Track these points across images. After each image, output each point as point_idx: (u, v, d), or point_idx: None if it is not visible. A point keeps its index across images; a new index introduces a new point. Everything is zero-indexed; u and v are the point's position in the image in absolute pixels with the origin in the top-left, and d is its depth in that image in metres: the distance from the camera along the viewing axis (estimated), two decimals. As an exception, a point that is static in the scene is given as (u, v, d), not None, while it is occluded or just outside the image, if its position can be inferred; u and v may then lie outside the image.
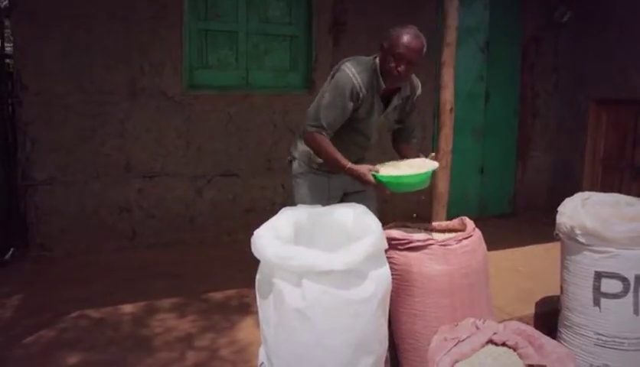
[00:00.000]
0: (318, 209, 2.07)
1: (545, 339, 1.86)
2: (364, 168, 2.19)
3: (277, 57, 4.33)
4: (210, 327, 2.60)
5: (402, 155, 2.48)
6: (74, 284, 3.12)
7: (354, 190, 2.48)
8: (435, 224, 2.49)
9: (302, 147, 2.44)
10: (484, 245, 2.30)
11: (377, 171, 2.18)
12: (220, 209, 4.11)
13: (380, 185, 2.19)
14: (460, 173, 4.74)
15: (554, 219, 2.49)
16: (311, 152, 2.39)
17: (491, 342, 1.88)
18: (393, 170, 2.23)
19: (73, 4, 3.61)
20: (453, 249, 2.12)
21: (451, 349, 1.82)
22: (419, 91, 2.48)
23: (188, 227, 4.04)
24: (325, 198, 2.37)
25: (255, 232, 1.82)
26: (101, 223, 3.80)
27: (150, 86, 3.87)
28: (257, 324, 2.55)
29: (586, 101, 5.00)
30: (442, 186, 2.66)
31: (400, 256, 2.17)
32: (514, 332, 1.90)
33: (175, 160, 3.98)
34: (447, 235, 2.30)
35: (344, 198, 2.48)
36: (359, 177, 2.20)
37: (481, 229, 2.34)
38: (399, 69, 2.18)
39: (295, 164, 2.47)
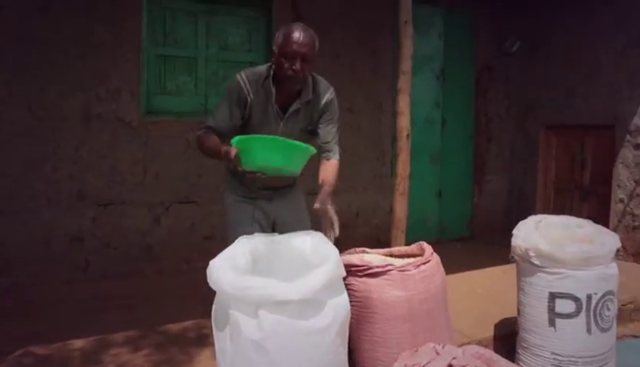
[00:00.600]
0: (275, 237, 2.05)
1: (503, 362, 1.88)
2: (231, 149, 1.99)
3: (236, 84, 4.32)
4: (166, 361, 2.50)
5: (320, 176, 2.29)
6: (19, 319, 2.95)
7: (283, 221, 2.38)
8: (393, 249, 2.50)
9: (227, 173, 2.42)
10: (442, 270, 2.32)
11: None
12: (179, 237, 4.01)
13: (237, 158, 1.96)
14: (418, 197, 4.82)
15: (510, 242, 2.54)
16: (229, 177, 2.37)
17: (450, 367, 1.88)
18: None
19: (28, 27, 3.52)
20: (411, 275, 2.13)
21: (411, 375, 1.81)
22: (327, 95, 2.32)
23: (145, 256, 3.92)
24: (249, 224, 2.30)
25: (210, 263, 1.78)
26: (51, 254, 3.64)
27: (106, 112, 3.78)
28: (215, 356, 2.50)
29: (537, 126, 5.21)
30: (401, 211, 2.69)
31: (359, 283, 2.16)
32: (473, 356, 1.91)
33: (132, 187, 3.88)
34: (406, 261, 2.31)
35: (276, 228, 2.38)
36: (225, 156, 2.02)
37: (440, 253, 2.37)
38: (294, 68, 2.09)
39: (224, 195, 2.43)
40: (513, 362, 2.52)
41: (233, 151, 1.96)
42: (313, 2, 4.40)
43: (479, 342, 2.82)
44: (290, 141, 1.97)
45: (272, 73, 2.20)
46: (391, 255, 2.46)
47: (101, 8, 3.72)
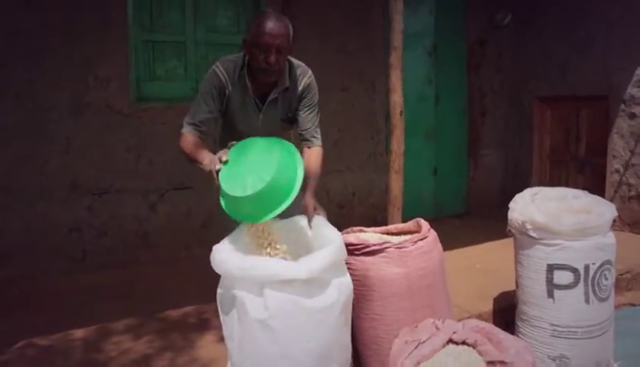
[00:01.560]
0: (278, 223, 2.04)
1: (503, 335, 1.89)
2: (214, 158, 1.87)
3: (227, 67, 4.27)
4: (168, 347, 2.51)
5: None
6: (20, 311, 2.95)
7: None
8: (390, 227, 2.50)
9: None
10: (439, 246, 2.32)
11: (223, 162, 1.83)
12: (176, 223, 4.00)
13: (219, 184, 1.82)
14: (414, 175, 4.81)
15: (507, 216, 2.54)
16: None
17: (451, 341, 1.89)
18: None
19: (12, 17, 3.45)
20: (409, 251, 2.13)
21: (412, 351, 1.82)
22: (305, 80, 2.22)
23: (142, 244, 3.91)
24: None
25: (214, 247, 1.79)
26: (48, 245, 3.62)
27: (96, 101, 3.73)
28: (217, 341, 2.51)
29: (530, 99, 5.19)
30: (396, 189, 2.68)
31: (357, 262, 2.16)
32: (473, 330, 1.92)
33: (126, 175, 3.85)
34: (403, 238, 2.31)
35: None
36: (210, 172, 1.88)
37: (437, 229, 2.37)
38: (268, 60, 1.98)
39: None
40: (512, 334, 2.54)
41: (214, 176, 1.83)
42: (301, -19, 4.33)
43: (479, 316, 2.85)
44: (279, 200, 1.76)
45: (246, 62, 2.12)
46: (388, 233, 2.46)
47: (86, -6, 3.66)
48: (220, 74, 2.12)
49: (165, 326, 2.76)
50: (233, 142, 1.93)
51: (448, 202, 5.29)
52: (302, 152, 2.14)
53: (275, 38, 1.97)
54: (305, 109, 2.25)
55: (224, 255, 1.74)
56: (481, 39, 5.31)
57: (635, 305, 3.36)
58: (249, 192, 1.71)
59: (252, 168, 1.78)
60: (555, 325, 2.37)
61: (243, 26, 4.29)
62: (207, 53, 4.19)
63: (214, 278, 1.82)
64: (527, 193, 2.56)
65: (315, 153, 2.24)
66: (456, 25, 5.21)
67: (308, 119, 2.25)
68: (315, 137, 2.27)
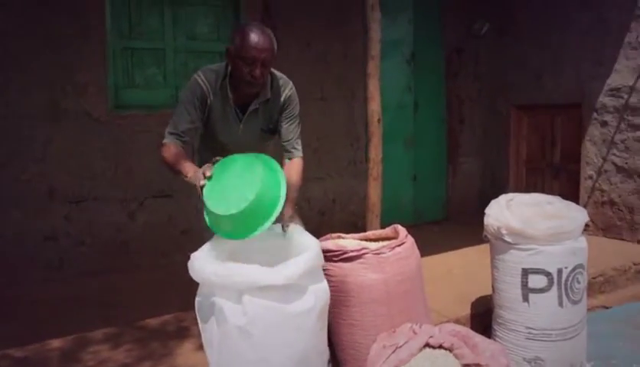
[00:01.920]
0: None
1: (479, 338, 1.92)
2: (198, 172, 1.86)
3: (207, 74, 4.27)
4: (147, 356, 2.49)
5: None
6: (-5, 321, 2.90)
7: None
8: (368, 233, 2.53)
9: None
10: (417, 252, 2.35)
11: (207, 177, 1.82)
12: (155, 231, 3.97)
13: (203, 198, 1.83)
14: (394, 182, 4.86)
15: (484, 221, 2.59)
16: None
17: (428, 345, 1.92)
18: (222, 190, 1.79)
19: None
20: (387, 257, 2.16)
21: (389, 356, 1.84)
22: (287, 91, 2.24)
23: (121, 252, 3.88)
24: None
25: (192, 255, 1.80)
26: (24, 253, 3.57)
27: (73, 108, 3.70)
28: (196, 349, 2.50)
29: (507, 107, 5.29)
30: (375, 196, 2.71)
31: (335, 268, 2.18)
32: (450, 334, 1.95)
33: (104, 183, 3.82)
34: (381, 244, 2.34)
35: None
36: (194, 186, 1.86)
37: (416, 235, 2.41)
38: (253, 73, 2.00)
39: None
40: (489, 337, 2.59)
41: (199, 191, 1.81)
42: (281, -11, 4.37)
43: (457, 321, 2.89)
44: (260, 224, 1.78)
45: (228, 72, 2.13)
46: (366, 239, 2.49)
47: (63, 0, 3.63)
48: (201, 83, 2.12)
49: (144, 334, 2.74)
50: (218, 158, 1.91)
51: (428, 208, 5.35)
52: (282, 163, 2.20)
53: (261, 52, 1.99)
54: (287, 120, 2.26)
55: (202, 263, 1.75)
56: (459, 48, 5.40)
57: (607, 307, 3.45)
58: (232, 211, 1.71)
59: (235, 185, 1.77)
60: (530, 328, 2.42)
61: (223, 34, 4.30)
62: (186, 60, 4.19)
63: (193, 286, 1.82)
64: (503, 199, 2.61)
65: (295, 165, 2.26)
66: (435, 34, 5.30)
67: (290, 130, 2.27)
68: (295, 148, 2.28)
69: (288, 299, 1.72)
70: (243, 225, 1.77)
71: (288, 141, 2.27)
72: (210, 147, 2.26)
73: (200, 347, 2.15)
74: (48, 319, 2.94)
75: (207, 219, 1.85)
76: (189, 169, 1.97)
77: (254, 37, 1.98)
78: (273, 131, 2.29)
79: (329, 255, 2.15)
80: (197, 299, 1.82)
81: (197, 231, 3.65)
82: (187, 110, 2.11)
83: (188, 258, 1.80)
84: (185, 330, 2.74)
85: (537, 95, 5.00)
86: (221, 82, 2.13)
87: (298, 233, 2.01)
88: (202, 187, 1.81)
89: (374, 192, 2.74)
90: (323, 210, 4.56)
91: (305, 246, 1.88)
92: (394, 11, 4.95)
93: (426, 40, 5.22)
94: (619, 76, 4.31)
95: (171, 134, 2.10)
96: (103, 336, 2.71)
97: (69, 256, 3.72)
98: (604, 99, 4.42)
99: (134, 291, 3.41)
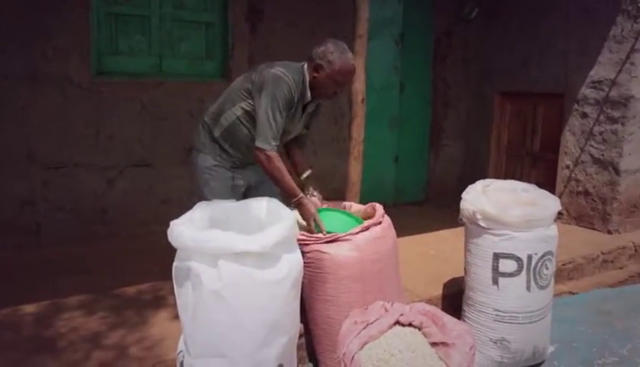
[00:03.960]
0: (233, 204, 2.10)
1: (447, 318, 1.99)
2: (313, 208, 2.30)
3: (192, 44, 4.21)
4: (121, 324, 2.51)
5: (295, 161, 2.62)
6: (-32, 285, 2.89)
7: (255, 182, 2.57)
8: (348, 204, 2.57)
9: (208, 139, 2.46)
10: (393, 232, 2.40)
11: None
12: (134, 200, 3.96)
13: (321, 222, 2.30)
14: (376, 162, 4.91)
15: (461, 205, 2.64)
16: (219, 146, 2.43)
17: (398, 323, 1.97)
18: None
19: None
20: (363, 236, 2.20)
21: (360, 331, 1.89)
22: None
23: (100, 220, 3.86)
24: (231, 191, 2.44)
25: (171, 223, 1.83)
26: (0, 218, 3.54)
27: (55, 72, 3.62)
28: (172, 318, 2.53)
29: (492, 92, 5.33)
30: (355, 175, 2.75)
31: (312, 245, 2.21)
32: (420, 313, 2.01)
33: (84, 150, 3.77)
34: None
35: (247, 192, 2.55)
36: (306, 213, 2.29)
37: (395, 216, 2.47)
38: (338, 93, 2.33)
39: (200, 157, 2.48)
40: (458, 318, 2.66)
41: (320, 222, 2.29)
42: (272, -39, 4.29)
43: (429, 301, 2.96)
44: (357, 223, 2.33)
45: (306, 78, 2.32)
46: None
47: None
48: (291, 86, 2.26)
49: (120, 302, 2.76)
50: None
51: (408, 189, 5.41)
52: (295, 150, 2.62)
53: (351, 76, 2.37)
54: (315, 117, 2.60)
55: (181, 229, 1.78)
56: (448, 31, 5.40)
57: (574, 293, 3.56)
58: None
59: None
60: (498, 310, 2.50)
61: (210, 3, 4.23)
62: (172, 29, 4.12)
63: (172, 256, 1.84)
64: (479, 184, 2.67)
65: (305, 155, 2.70)
66: (424, 16, 5.28)
67: (313, 124, 2.64)
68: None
69: (263, 266, 1.77)
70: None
71: (308, 131, 2.63)
72: (243, 135, 2.39)
73: (176, 317, 2.19)
74: (23, 284, 2.94)
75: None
76: (300, 192, 2.33)
77: (352, 63, 2.30)
78: (306, 126, 2.58)
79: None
80: (174, 264, 1.85)
81: (175, 201, 3.69)
82: (281, 113, 2.25)
83: (167, 237, 1.83)
84: (161, 299, 2.77)
85: (521, 82, 5.04)
86: (302, 84, 2.32)
87: (275, 206, 2.04)
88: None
89: (355, 171, 2.77)
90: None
91: (281, 217, 1.92)
92: (385, -9, 4.92)
93: (415, 22, 5.21)
94: (602, 69, 4.37)
95: (275, 142, 2.24)
96: (78, 303, 2.72)
97: (46, 222, 3.69)
98: (586, 91, 4.48)
99: (112, 259, 3.42)
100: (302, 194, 2.30)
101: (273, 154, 2.23)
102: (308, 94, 2.34)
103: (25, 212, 3.63)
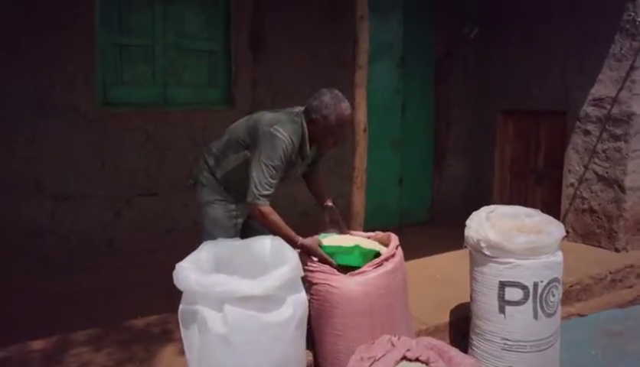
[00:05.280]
0: (237, 242, 2.14)
1: (454, 352, 1.98)
2: (314, 243, 2.32)
3: (196, 73, 4.26)
4: (129, 359, 2.51)
5: (313, 191, 2.69)
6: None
7: None
8: (363, 234, 2.59)
9: (210, 178, 2.48)
10: (404, 265, 2.41)
11: (321, 244, 2.33)
12: (141, 230, 3.98)
13: (328, 257, 2.31)
14: (380, 184, 4.91)
15: (467, 228, 2.65)
16: (221, 185, 2.48)
17: (405, 358, 1.97)
18: (338, 241, 2.40)
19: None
20: (374, 271, 2.21)
21: (367, 368, 1.89)
22: None
23: (106, 250, 3.88)
24: (233, 224, 2.47)
25: (177, 265, 1.86)
26: (8, 249, 3.56)
27: (61, 103, 3.67)
28: (180, 352, 2.53)
29: (494, 112, 5.35)
30: (359, 204, 2.76)
31: (321, 278, 2.22)
32: (426, 347, 2.01)
33: (90, 180, 3.81)
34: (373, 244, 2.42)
35: (249, 220, 2.56)
36: (311, 252, 2.33)
37: (400, 237, 2.48)
38: (336, 142, 2.37)
39: (203, 192, 2.50)
40: (466, 346, 2.66)
41: (322, 252, 2.32)
42: (274, -13, 4.35)
43: (436, 328, 2.96)
44: (373, 252, 2.36)
45: (305, 131, 2.36)
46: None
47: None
48: (290, 145, 2.29)
49: (128, 336, 2.76)
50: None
51: (413, 210, 5.41)
52: (311, 176, 2.71)
53: (347, 125, 2.40)
54: (321, 154, 2.68)
55: (186, 273, 1.81)
56: (449, 51, 5.44)
57: (582, 315, 3.54)
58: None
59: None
60: (506, 339, 2.49)
61: (213, 32, 4.29)
62: (176, 58, 4.18)
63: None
64: (483, 211, 2.67)
65: (321, 178, 2.77)
66: (425, 37, 5.33)
67: (321, 160, 2.72)
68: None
69: (268, 308, 1.79)
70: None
71: (317, 164, 2.72)
72: (246, 179, 2.38)
73: (183, 352, 2.19)
74: (31, 317, 2.95)
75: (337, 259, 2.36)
76: (298, 238, 2.34)
77: (347, 114, 2.34)
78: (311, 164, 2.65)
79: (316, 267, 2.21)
80: (180, 307, 1.88)
81: (181, 230, 3.72)
82: (278, 172, 2.29)
83: (177, 260, 1.87)
84: (169, 333, 2.77)
85: (523, 101, 5.06)
86: (301, 139, 2.37)
87: (279, 245, 2.07)
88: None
89: (358, 200, 2.78)
90: (307, 211, 4.56)
91: (285, 258, 1.94)
92: (385, 14, 4.97)
93: (415, 44, 5.25)
94: (603, 87, 4.39)
95: (267, 197, 2.27)
96: (86, 337, 2.73)
97: (54, 252, 3.71)
98: (587, 109, 4.50)
99: (119, 290, 3.43)
100: (300, 239, 2.32)
101: (266, 209, 2.28)
102: (307, 147, 2.39)
103: (33, 242, 3.66)
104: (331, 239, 2.39)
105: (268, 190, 2.26)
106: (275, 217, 2.29)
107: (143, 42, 4.06)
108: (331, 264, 2.29)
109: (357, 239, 2.43)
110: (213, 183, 2.50)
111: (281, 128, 2.28)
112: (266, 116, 2.37)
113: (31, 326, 2.79)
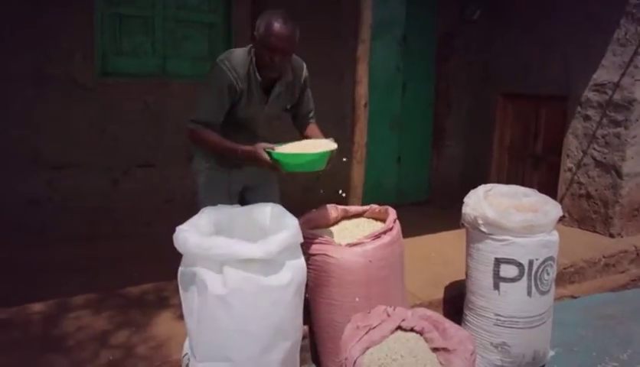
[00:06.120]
0: (237, 209, 2.13)
1: (448, 324, 2.01)
2: (258, 147, 2.13)
3: (195, 45, 4.23)
4: (127, 323, 2.54)
5: (305, 136, 2.50)
6: (-24, 284, 2.92)
7: (255, 184, 2.53)
8: (359, 209, 2.60)
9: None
10: (401, 239, 2.43)
11: (273, 149, 2.11)
12: (138, 200, 3.98)
13: (275, 164, 2.12)
14: (378, 162, 4.92)
15: (464, 207, 2.66)
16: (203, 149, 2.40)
17: (400, 328, 2.00)
18: (290, 148, 2.16)
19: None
20: (372, 243, 2.23)
21: (362, 336, 1.92)
22: (304, 73, 2.45)
23: (104, 220, 3.89)
24: (226, 194, 2.42)
25: (177, 228, 1.86)
26: (6, 218, 3.56)
27: (58, 73, 3.65)
28: (176, 318, 2.57)
29: (494, 94, 5.33)
30: (357, 179, 2.76)
31: (318, 247, 2.24)
32: (421, 318, 2.04)
33: (88, 150, 3.80)
34: (369, 221, 2.42)
35: (245, 193, 2.53)
36: (254, 157, 2.15)
37: (397, 216, 2.48)
38: (274, 60, 2.16)
39: (194, 162, 2.49)
40: (460, 321, 2.69)
41: (266, 157, 2.11)
42: (276, -38, 4.29)
43: (430, 303, 2.99)
44: (327, 151, 2.12)
45: (253, 58, 2.23)
46: (357, 215, 2.56)
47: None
48: (229, 72, 2.19)
49: (125, 302, 2.79)
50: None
51: (411, 190, 5.43)
52: (304, 128, 2.53)
53: (282, 41, 2.13)
54: (304, 96, 2.51)
55: (187, 235, 1.81)
56: (451, 32, 5.40)
57: (575, 297, 3.58)
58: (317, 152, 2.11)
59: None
60: (499, 315, 2.52)
61: (213, 4, 4.25)
62: (175, 29, 4.13)
63: (175, 256, 1.88)
64: (481, 189, 2.68)
65: (316, 127, 2.56)
66: (427, 17, 5.28)
67: (310, 103, 2.56)
68: (314, 117, 2.60)
69: (267, 272, 1.80)
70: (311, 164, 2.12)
71: (310, 111, 2.56)
72: (229, 124, 2.32)
73: (180, 317, 2.22)
74: (30, 283, 2.97)
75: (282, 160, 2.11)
76: (237, 146, 2.19)
77: (276, 26, 2.12)
78: (291, 108, 2.50)
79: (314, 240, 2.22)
80: (180, 269, 1.89)
81: (179, 201, 3.71)
82: (217, 99, 2.21)
83: (174, 230, 1.86)
84: (166, 300, 2.80)
85: (523, 84, 5.04)
86: (248, 67, 2.23)
87: (279, 212, 2.07)
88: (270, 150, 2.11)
89: (357, 175, 2.79)
90: (307, 188, 4.59)
91: (285, 225, 1.95)
92: (388, -9, 4.92)
93: (418, 23, 5.21)
94: (605, 72, 4.37)
95: (203, 123, 2.21)
96: (84, 302, 2.76)
97: (51, 221, 3.72)
98: (589, 94, 4.49)
99: (116, 259, 3.44)
100: (241, 147, 2.17)
101: (195, 131, 2.21)
102: (257, 75, 2.23)
103: (30, 211, 3.66)
104: (284, 147, 2.15)
105: (202, 116, 2.21)
106: (204, 133, 2.21)
107: (143, 12, 4.01)
108: (278, 171, 2.17)
109: (313, 143, 2.23)
110: (201, 152, 2.44)
111: (225, 57, 2.22)
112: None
113: (30, 291, 2.81)
